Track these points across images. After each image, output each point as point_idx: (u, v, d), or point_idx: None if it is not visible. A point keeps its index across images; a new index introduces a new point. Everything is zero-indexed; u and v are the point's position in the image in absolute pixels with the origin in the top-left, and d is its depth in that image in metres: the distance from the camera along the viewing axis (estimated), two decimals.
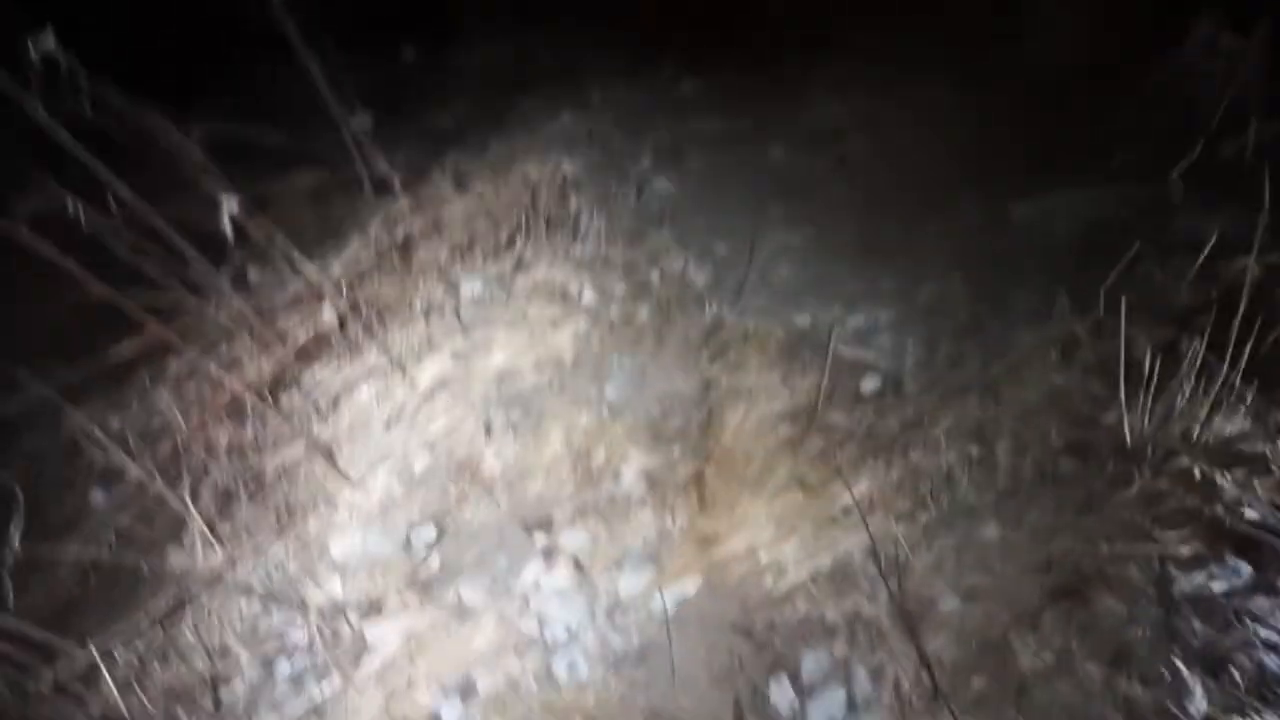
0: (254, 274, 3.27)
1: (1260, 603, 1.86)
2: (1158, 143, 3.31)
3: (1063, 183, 3.39)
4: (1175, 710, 1.76)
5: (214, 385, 2.88)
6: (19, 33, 2.18)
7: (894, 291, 3.03)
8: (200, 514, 2.54)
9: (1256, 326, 2.20)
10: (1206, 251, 2.54)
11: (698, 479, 2.40)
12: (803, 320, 2.87)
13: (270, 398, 2.85)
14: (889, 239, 3.38)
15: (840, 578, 2.10)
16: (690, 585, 2.18)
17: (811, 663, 1.98)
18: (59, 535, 2.63)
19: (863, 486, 2.23)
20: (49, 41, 2.17)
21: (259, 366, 2.90)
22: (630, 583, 2.21)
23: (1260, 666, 1.79)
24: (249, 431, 2.75)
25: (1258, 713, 1.72)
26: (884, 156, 4.06)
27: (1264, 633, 1.83)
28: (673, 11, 6.47)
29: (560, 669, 2.07)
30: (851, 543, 2.15)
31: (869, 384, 2.52)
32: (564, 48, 5.85)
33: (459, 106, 5.15)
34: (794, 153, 4.21)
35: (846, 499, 2.21)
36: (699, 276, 3.10)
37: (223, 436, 2.74)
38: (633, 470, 2.42)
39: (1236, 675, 1.79)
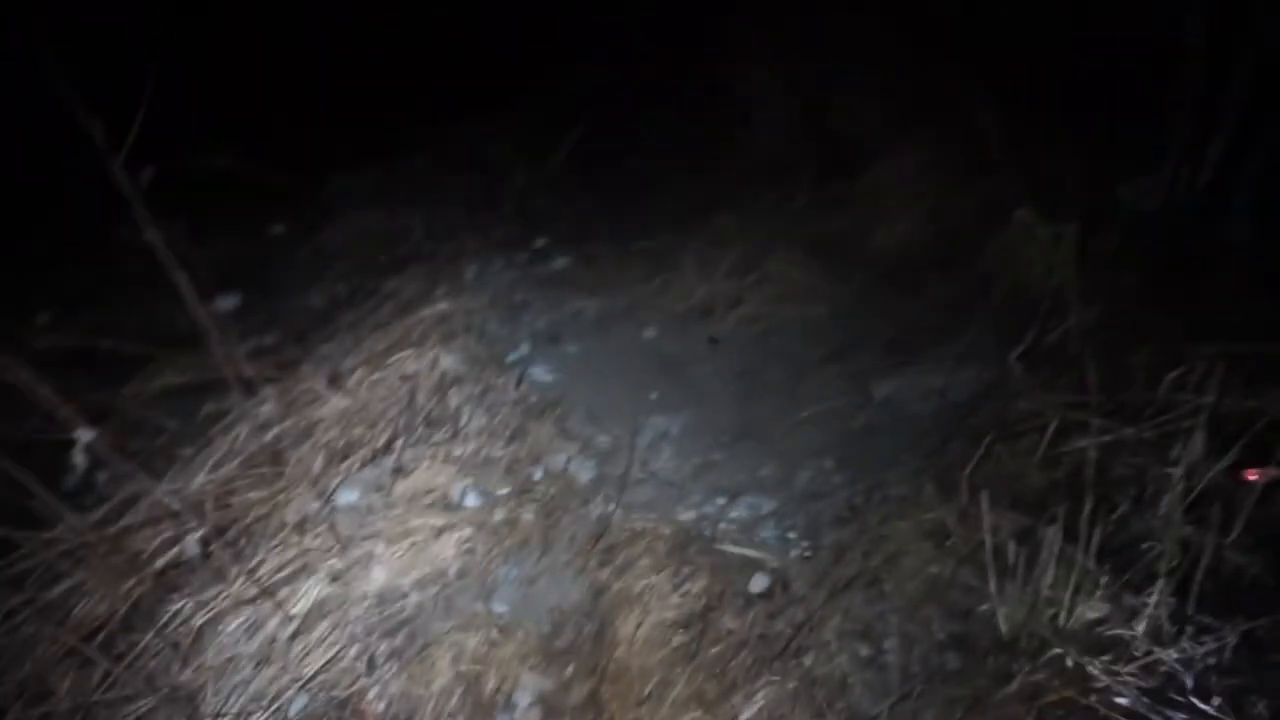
0: (101, 490, 3.03)
1: None
2: (997, 326, 3.64)
3: (915, 363, 3.64)
4: None
5: (53, 625, 2.62)
6: None
7: (773, 479, 3.13)
8: None
9: (1102, 510, 2.39)
10: (1048, 435, 2.76)
11: (593, 699, 2.33)
12: (688, 515, 2.90)
13: (122, 635, 2.61)
14: (764, 422, 3.52)
15: None
16: None
17: None
18: None
19: (759, 699, 2.21)
20: None
21: (108, 599, 2.67)
22: None
23: None
24: (95, 678, 2.49)
25: None
26: (750, 336, 4.27)
27: None
28: (543, 184, 6.78)
29: None
30: None
31: (757, 583, 2.55)
32: (438, 223, 5.97)
33: (330, 287, 5.13)
34: (667, 333, 4.37)
35: (746, 714, 2.19)
36: (582, 472, 3.11)
37: (63, 686, 2.47)
38: (526, 696, 2.33)
39: None
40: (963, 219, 4.59)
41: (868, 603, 2.41)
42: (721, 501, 2.98)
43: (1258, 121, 3.76)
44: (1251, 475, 2.58)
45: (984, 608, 2.32)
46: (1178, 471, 2.39)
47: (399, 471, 3.07)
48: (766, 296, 4.44)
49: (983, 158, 4.58)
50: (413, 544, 2.75)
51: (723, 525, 2.82)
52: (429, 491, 2.97)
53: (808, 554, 2.66)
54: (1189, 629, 2.16)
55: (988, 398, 3.23)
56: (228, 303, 4.52)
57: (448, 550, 2.74)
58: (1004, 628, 2.25)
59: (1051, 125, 4.28)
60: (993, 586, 2.30)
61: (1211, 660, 2.09)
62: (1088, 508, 2.34)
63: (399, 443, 3.17)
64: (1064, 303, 3.36)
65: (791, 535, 2.77)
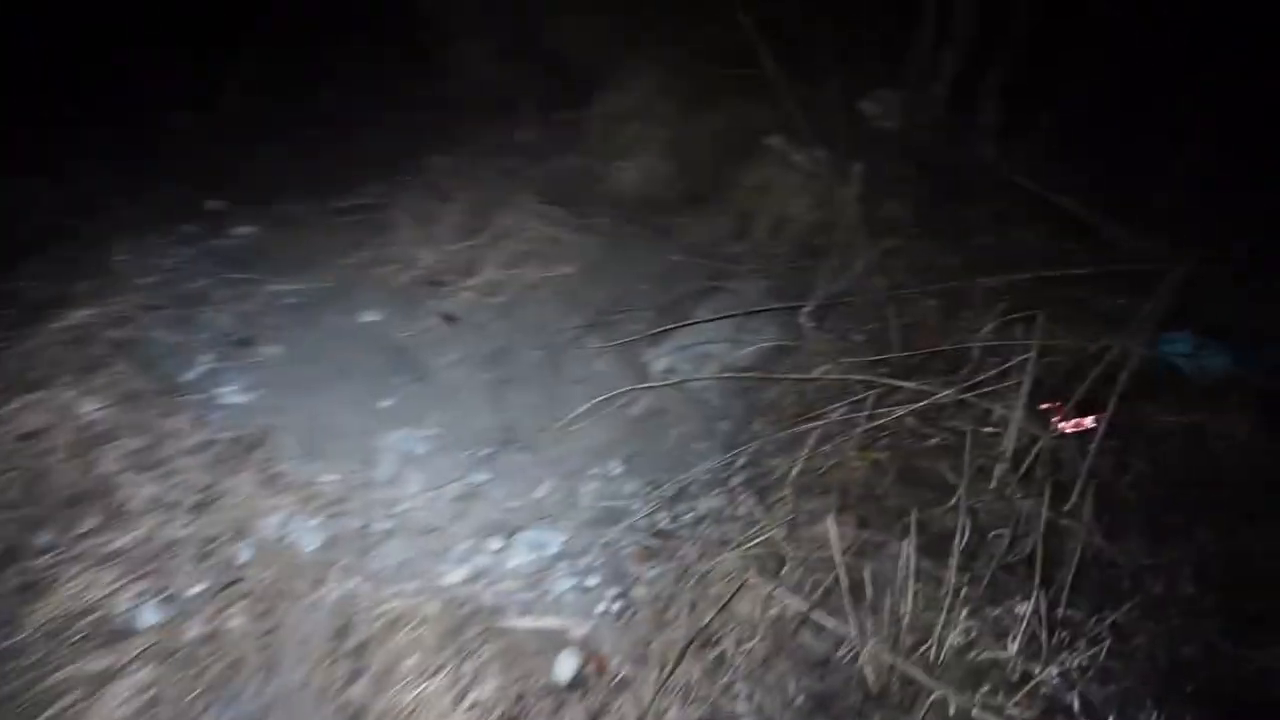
0: None
1: None
2: (772, 271, 3.28)
3: (687, 325, 3.19)
4: None
5: None
6: None
7: (554, 499, 2.55)
8: None
9: (936, 499, 2.10)
10: (865, 411, 2.42)
11: None
12: (456, 575, 2.24)
13: None
14: (528, 421, 2.91)
15: None
16: None
17: None
18: None
19: None
20: None
21: None
22: None
23: None
24: None
25: None
26: (493, 309, 3.59)
27: None
28: (211, 130, 5.43)
29: None
30: None
31: (564, 667, 1.96)
32: (74, 189, 4.50)
33: None
34: (392, 315, 3.55)
35: None
36: (307, 536, 2.33)
37: None
38: None
39: None
40: (708, 149, 4.17)
41: (708, 674, 1.92)
42: (496, 545, 2.35)
43: (994, 40, 3.66)
44: (1060, 422, 2.42)
45: (842, 653, 1.92)
46: (1003, 436, 2.15)
47: (28, 591, 2.11)
48: (504, 258, 3.75)
49: (721, 79, 4.18)
50: (61, 712, 1.86)
51: (504, 584, 2.20)
52: (81, 616, 2.06)
53: (619, 610, 2.11)
54: (1060, 633, 1.89)
55: (780, 363, 2.85)
56: None
57: (117, 709, 1.88)
58: (870, 676, 1.86)
59: (792, 41, 3.94)
60: (851, 623, 1.90)
61: (1086, 665, 1.85)
62: (926, 502, 2.03)
63: (27, 545, 2.20)
64: (840, 245, 3.04)
65: (592, 583, 2.21)
